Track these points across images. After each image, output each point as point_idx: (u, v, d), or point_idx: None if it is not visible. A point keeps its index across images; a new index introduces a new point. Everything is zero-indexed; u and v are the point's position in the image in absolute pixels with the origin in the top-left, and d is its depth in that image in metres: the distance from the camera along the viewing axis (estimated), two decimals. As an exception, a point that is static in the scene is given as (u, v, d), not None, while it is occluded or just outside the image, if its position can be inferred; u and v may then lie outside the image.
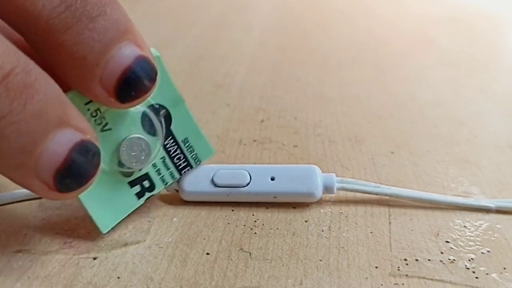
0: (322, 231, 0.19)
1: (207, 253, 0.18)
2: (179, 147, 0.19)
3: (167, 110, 0.19)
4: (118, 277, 0.17)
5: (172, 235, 0.19)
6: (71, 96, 0.16)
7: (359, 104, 0.30)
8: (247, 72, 0.35)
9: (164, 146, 0.19)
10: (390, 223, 0.19)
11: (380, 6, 0.54)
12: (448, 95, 0.31)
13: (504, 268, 0.17)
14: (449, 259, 0.17)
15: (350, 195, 0.21)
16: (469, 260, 0.17)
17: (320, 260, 0.17)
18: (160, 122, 0.19)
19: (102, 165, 0.16)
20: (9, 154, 0.14)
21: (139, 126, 0.18)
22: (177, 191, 0.20)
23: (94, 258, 0.17)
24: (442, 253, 0.18)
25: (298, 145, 0.25)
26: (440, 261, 0.17)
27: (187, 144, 0.20)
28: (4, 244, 0.18)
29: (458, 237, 0.18)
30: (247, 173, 0.20)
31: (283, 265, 0.17)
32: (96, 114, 0.17)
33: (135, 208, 0.19)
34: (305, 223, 0.19)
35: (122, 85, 0.16)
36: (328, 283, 0.16)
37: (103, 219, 0.18)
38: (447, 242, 0.18)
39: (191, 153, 0.20)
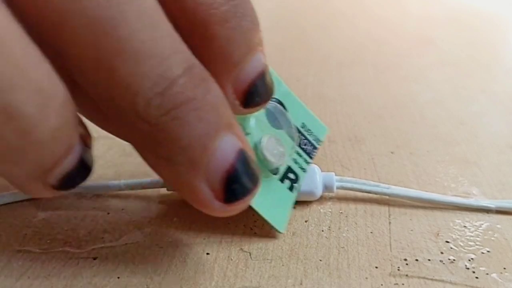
0: (322, 231, 0.19)
1: (207, 253, 0.18)
2: (301, 133, 0.20)
3: (281, 103, 0.19)
4: (118, 277, 0.17)
5: (172, 235, 0.19)
6: None
7: (359, 104, 0.30)
8: (247, 72, 0.35)
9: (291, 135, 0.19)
10: (390, 223, 0.19)
11: (380, 7, 0.54)
12: (448, 95, 0.31)
13: (504, 268, 0.17)
14: (449, 259, 0.17)
15: (350, 195, 0.21)
16: (469, 260, 0.17)
17: (320, 260, 0.17)
18: (282, 113, 0.19)
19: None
20: (188, 144, 0.13)
21: (267, 123, 0.18)
22: (177, 191, 0.20)
23: (94, 258, 0.17)
24: (442, 253, 0.18)
25: (298, 145, 0.25)
26: (440, 261, 0.17)
27: (305, 128, 0.20)
28: (4, 244, 0.18)
29: (458, 237, 0.18)
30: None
31: (283, 265, 0.17)
32: None
33: (293, 201, 0.19)
34: (305, 223, 0.19)
35: (252, 91, 0.16)
36: (328, 283, 0.16)
37: (277, 220, 0.18)
38: (447, 242, 0.18)
39: (311, 135, 0.20)
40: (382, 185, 0.20)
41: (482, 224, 0.19)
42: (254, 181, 0.15)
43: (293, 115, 0.20)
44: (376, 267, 0.17)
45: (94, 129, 0.27)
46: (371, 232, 0.19)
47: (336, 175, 0.20)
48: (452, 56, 0.39)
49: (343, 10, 0.53)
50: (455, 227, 0.19)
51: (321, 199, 0.20)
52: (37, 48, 0.12)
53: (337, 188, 0.20)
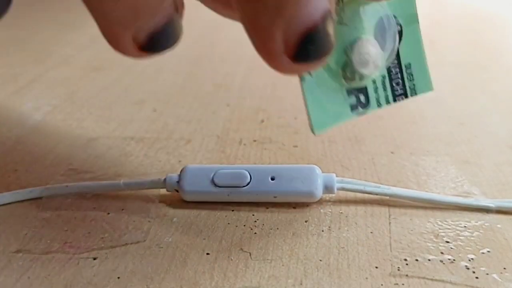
0: (322, 231, 0.19)
1: (207, 253, 0.18)
2: (400, 70, 0.18)
3: (400, 26, 0.17)
4: (118, 277, 0.17)
5: (172, 235, 0.19)
6: None
7: (359, 104, 0.30)
8: (247, 72, 0.35)
9: (389, 65, 0.18)
10: (390, 223, 0.19)
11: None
12: (448, 95, 0.31)
13: (504, 268, 0.17)
14: (449, 259, 0.17)
15: (350, 195, 0.21)
16: (469, 260, 0.17)
17: (320, 260, 0.17)
18: (393, 37, 0.17)
19: (330, 59, 0.15)
20: None
21: (373, 30, 0.17)
22: (177, 191, 0.20)
23: (94, 258, 0.17)
24: (442, 253, 0.18)
25: (298, 145, 0.25)
26: (440, 261, 0.17)
27: (408, 71, 0.18)
28: (4, 244, 0.18)
29: (458, 237, 0.18)
30: (247, 173, 0.20)
31: (283, 265, 0.17)
32: (339, 2, 0.16)
33: (348, 119, 0.17)
34: (305, 223, 0.19)
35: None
36: (328, 283, 0.16)
37: (319, 119, 0.17)
38: (447, 242, 0.18)
39: (410, 81, 0.18)
40: (382, 186, 0.20)
41: (482, 224, 0.19)
42: (328, 49, 0.14)
43: (406, 50, 0.18)
44: (376, 267, 0.17)
45: (94, 130, 0.27)
46: (371, 232, 0.19)
47: (336, 175, 0.20)
48: (452, 56, 0.39)
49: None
50: (455, 227, 0.19)
51: (321, 199, 0.20)
52: None
53: (338, 189, 0.20)
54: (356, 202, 0.20)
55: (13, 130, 0.27)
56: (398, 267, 0.17)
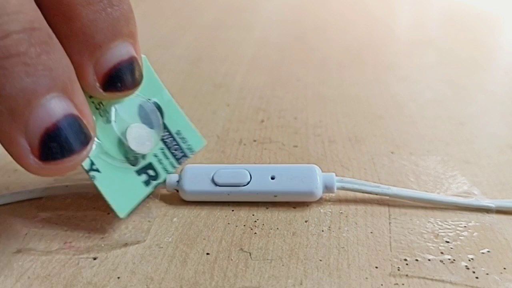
0: (322, 231, 0.19)
1: (207, 253, 0.18)
2: (174, 138, 0.20)
3: (158, 105, 0.20)
4: (118, 277, 0.17)
5: (172, 235, 0.19)
6: None
7: (359, 104, 0.30)
8: (247, 72, 0.35)
9: (162, 138, 0.20)
10: (390, 223, 0.19)
11: (380, 7, 0.54)
12: (448, 95, 0.31)
13: (504, 268, 0.17)
14: (449, 259, 0.17)
15: (350, 195, 0.21)
16: (469, 260, 0.17)
17: (320, 260, 0.17)
18: (155, 115, 0.20)
19: (109, 156, 0.18)
20: (10, 94, 0.14)
21: (137, 117, 0.19)
22: (177, 191, 0.20)
23: (94, 258, 0.17)
24: (442, 253, 0.18)
25: (298, 145, 0.25)
26: (440, 261, 0.17)
27: (180, 136, 0.21)
28: (4, 244, 0.18)
29: (458, 237, 0.18)
30: (247, 172, 0.20)
31: (283, 265, 0.17)
32: (100, 107, 0.18)
33: (146, 195, 0.19)
34: (305, 223, 0.19)
35: (113, 75, 0.17)
36: (328, 283, 0.16)
37: (120, 204, 0.18)
38: (447, 242, 0.18)
39: (184, 143, 0.21)
40: (382, 185, 0.20)
41: (482, 224, 0.19)
42: (78, 146, 0.15)
43: (171, 122, 0.20)
44: (376, 267, 0.17)
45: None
46: (371, 232, 0.19)
47: (336, 175, 0.20)
48: (452, 56, 0.39)
49: (343, 10, 0.53)
50: (455, 227, 0.19)
51: (321, 199, 0.20)
52: None
53: (338, 188, 0.20)
54: (356, 202, 0.20)
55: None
56: (398, 267, 0.17)
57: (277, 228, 0.19)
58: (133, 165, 0.19)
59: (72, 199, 0.21)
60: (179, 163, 0.21)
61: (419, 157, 0.24)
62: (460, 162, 0.24)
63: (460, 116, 0.28)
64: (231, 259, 0.17)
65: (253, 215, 0.20)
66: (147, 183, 0.19)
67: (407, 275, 0.17)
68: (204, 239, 0.18)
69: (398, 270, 0.17)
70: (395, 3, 0.55)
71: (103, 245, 0.18)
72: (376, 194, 0.20)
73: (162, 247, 0.18)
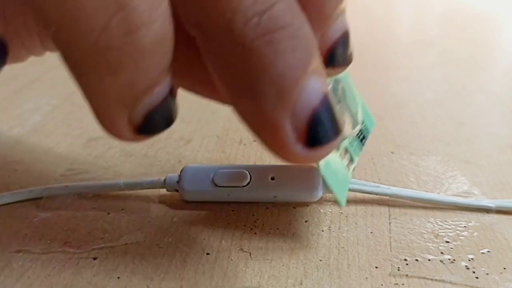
0: (322, 231, 0.19)
1: (207, 253, 0.18)
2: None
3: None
4: (118, 277, 0.17)
5: (172, 235, 0.19)
6: None
7: (359, 104, 0.30)
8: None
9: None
10: (390, 223, 0.19)
11: (380, 7, 0.54)
12: (448, 95, 0.31)
13: (504, 268, 0.17)
14: (449, 259, 0.17)
15: (350, 195, 0.21)
16: (469, 260, 0.17)
17: (320, 260, 0.17)
18: (351, 95, 0.19)
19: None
20: (280, 73, 0.13)
21: (334, 97, 0.18)
22: (177, 191, 0.20)
23: (94, 258, 0.17)
24: (442, 253, 0.18)
25: (298, 145, 0.25)
26: (440, 261, 0.17)
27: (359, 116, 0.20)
28: (4, 244, 0.18)
29: (458, 237, 0.18)
30: (247, 172, 0.20)
31: (283, 265, 0.17)
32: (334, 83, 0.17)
33: (350, 180, 0.19)
34: (305, 223, 0.19)
35: (336, 49, 0.15)
36: (328, 283, 0.16)
37: (341, 194, 0.18)
38: (447, 242, 0.18)
39: (362, 124, 0.20)
40: (382, 185, 0.20)
41: (482, 224, 0.19)
42: (337, 129, 0.14)
43: (351, 102, 0.19)
44: (376, 267, 0.17)
45: (94, 130, 0.27)
46: (371, 232, 0.19)
47: (336, 175, 0.20)
48: (452, 56, 0.39)
49: (343, 10, 0.53)
50: (455, 227, 0.19)
51: (321, 199, 0.20)
52: None
53: (337, 188, 0.20)
54: (356, 202, 0.20)
55: (13, 130, 0.27)
56: (398, 267, 0.17)
57: (277, 228, 0.19)
58: (336, 149, 0.18)
59: (72, 199, 0.21)
60: (363, 145, 0.20)
61: (419, 157, 0.24)
62: (460, 162, 0.24)
63: (460, 116, 0.28)
64: (231, 259, 0.17)
65: (253, 215, 0.20)
66: (348, 168, 0.18)
67: (407, 275, 0.17)
68: (204, 239, 0.18)
69: (398, 270, 0.17)
70: (395, 3, 0.55)
71: (103, 245, 0.18)
72: (376, 194, 0.20)
73: (162, 247, 0.18)
